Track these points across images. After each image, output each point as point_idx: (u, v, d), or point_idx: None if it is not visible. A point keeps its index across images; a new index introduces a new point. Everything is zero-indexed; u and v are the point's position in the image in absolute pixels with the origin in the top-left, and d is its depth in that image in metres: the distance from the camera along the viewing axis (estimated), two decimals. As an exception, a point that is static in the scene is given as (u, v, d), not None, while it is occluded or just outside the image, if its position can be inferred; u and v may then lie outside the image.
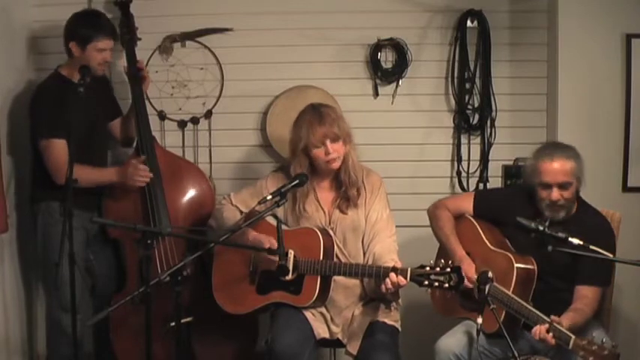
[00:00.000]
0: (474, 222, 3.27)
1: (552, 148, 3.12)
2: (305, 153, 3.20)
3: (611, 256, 2.90)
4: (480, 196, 3.41)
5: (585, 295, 2.98)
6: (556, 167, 3.02)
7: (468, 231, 3.27)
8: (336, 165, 3.20)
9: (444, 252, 3.28)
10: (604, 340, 2.59)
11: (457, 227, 3.30)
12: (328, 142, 3.16)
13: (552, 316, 2.78)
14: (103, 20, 3.58)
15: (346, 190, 3.23)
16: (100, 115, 3.71)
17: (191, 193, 3.72)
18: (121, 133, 3.82)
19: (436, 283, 2.84)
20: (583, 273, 3.00)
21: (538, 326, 2.77)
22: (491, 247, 3.15)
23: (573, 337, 2.66)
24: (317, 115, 3.19)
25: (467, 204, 3.33)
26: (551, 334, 2.72)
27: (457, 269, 2.84)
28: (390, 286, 2.93)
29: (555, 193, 3.03)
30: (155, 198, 3.59)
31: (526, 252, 3.08)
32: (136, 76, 3.69)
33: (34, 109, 3.52)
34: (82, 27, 3.49)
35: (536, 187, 3.09)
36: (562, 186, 3.03)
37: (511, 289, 2.97)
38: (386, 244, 3.20)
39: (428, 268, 2.87)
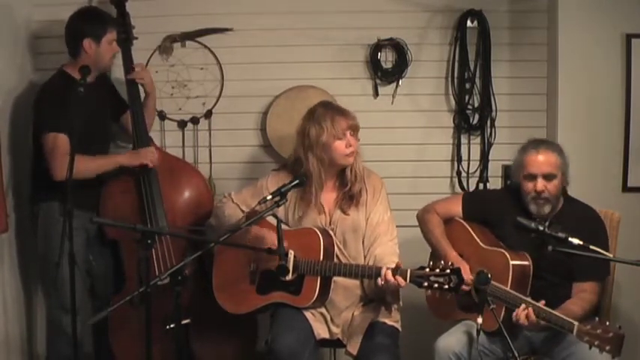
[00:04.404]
0: (465, 224, 3.28)
1: (537, 142, 3.16)
2: (325, 147, 3.19)
3: (610, 255, 2.91)
4: (468, 198, 3.41)
5: (583, 289, 3.03)
6: (541, 159, 3.07)
7: (460, 233, 3.27)
8: (352, 160, 3.21)
9: (436, 256, 3.27)
10: (607, 322, 2.61)
11: (448, 230, 3.30)
12: (349, 134, 3.18)
13: (542, 301, 2.84)
14: (104, 12, 3.62)
15: (351, 187, 3.23)
16: (102, 115, 3.70)
17: (188, 193, 3.71)
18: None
19: (436, 285, 2.83)
20: (580, 270, 3.02)
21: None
22: (485, 246, 3.15)
23: (577, 323, 2.68)
24: (337, 108, 3.25)
25: (456, 207, 3.34)
26: (529, 309, 2.80)
27: (457, 270, 2.83)
28: (386, 279, 2.92)
29: (540, 184, 3.05)
30: (152, 198, 3.59)
31: (520, 250, 3.09)
32: (132, 77, 3.69)
33: (39, 107, 3.52)
34: (91, 23, 3.51)
35: (521, 182, 3.11)
36: (546, 177, 3.06)
37: (508, 285, 2.98)
38: (387, 247, 3.20)
39: (427, 270, 2.86)
